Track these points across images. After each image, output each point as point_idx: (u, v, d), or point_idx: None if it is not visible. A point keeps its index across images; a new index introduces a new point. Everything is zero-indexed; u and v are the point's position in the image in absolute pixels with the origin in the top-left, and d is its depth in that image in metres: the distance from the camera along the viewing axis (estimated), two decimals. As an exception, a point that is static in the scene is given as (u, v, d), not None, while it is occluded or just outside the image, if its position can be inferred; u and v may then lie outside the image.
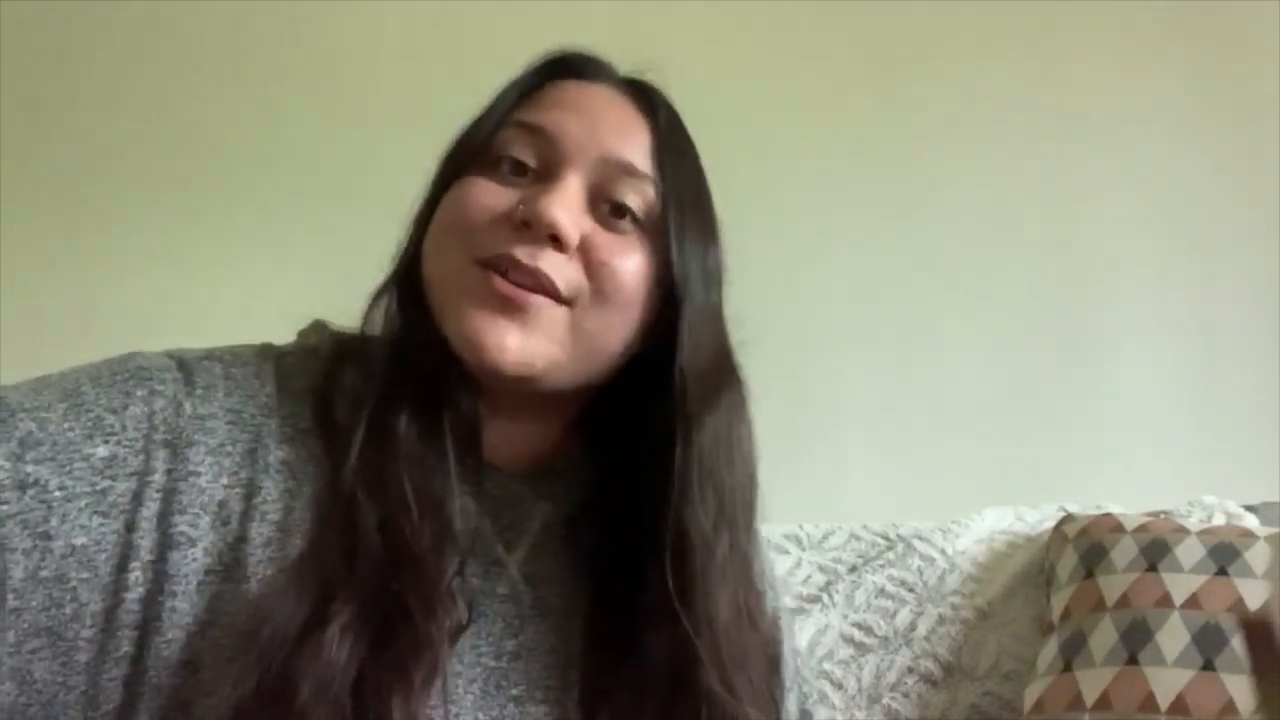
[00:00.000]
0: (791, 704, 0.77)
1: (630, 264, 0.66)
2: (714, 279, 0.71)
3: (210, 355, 0.66)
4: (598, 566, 0.69)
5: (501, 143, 0.67)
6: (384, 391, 0.65)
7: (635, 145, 0.68)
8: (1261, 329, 1.88)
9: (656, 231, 0.67)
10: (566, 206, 0.64)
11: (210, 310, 1.81)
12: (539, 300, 0.63)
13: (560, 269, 0.64)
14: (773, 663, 0.71)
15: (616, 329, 0.66)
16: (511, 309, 0.63)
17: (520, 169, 0.66)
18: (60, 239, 1.90)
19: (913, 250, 1.95)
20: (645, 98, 0.71)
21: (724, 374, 0.70)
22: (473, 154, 0.67)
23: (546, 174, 0.66)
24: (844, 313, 1.93)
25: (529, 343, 0.63)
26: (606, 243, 0.66)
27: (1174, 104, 1.97)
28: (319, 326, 0.72)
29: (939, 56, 2.00)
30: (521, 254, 0.63)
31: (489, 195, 0.65)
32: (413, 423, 0.64)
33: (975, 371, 1.90)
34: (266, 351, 0.69)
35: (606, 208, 0.66)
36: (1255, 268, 1.90)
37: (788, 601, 1.47)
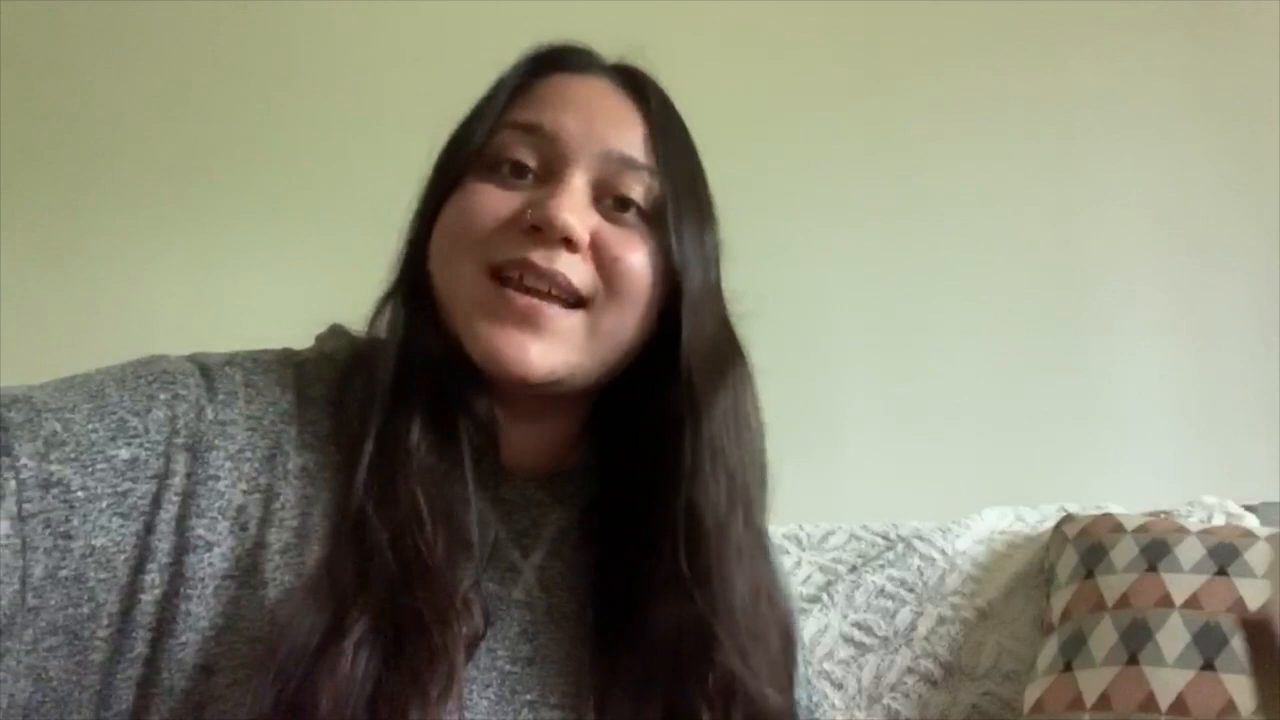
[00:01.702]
0: (800, 715, 0.76)
1: (639, 257, 0.66)
2: (712, 260, 0.71)
3: (232, 361, 0.66)
4: (607, 561, 0.68)
5: (499, 145, 0.67)
6: (394, 402, 0.64)
7: (632, 136, 0.68)
8: (1261, 329, 1.88)
9: (659, 220, 0.67)
10: (574, 207, 0.64)
11: (211, 312, 1.81)
12: (553, 310, 0.63)
13: (576, 269, 0.64)
14: (788, 639, 0.71)
15: (631, 322, 0.66)
16: (528, 323, 0.63)
17: (521, 170, 0.66)
18: (61, 240, 1.90)
19: (913, 250, 1.95)
20: (635, 85, 0.71)
21: (727, 352, 0.70)
22: (470, 158, 0.67)
23: (549, 174, 0.66)
24: (844, 313, 1.93)
25: (550, 353, 0.64)
26: (615, 238, 0.66)
27: (1173, 105, 1.97)
28: (337, 331, 0.72)
29: (939, 58, 2.00)
30: (537, 258, 0.63)
31: (494, 201, 0.65)
32: (425, 433, 0.64)
33: (975, 372, 1.90)
34: (287, 358, 0.69)
35: (610, 201, 0.66)
36: (1255, 267, 1.91)
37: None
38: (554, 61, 0.71)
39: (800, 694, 0.76)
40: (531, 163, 0.66)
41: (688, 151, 0.72)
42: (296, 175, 1.94)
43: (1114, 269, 1.94)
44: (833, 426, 1.89)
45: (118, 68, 1.96)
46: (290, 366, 0.68)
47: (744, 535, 0.67)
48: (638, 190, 0.67)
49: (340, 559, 0.60)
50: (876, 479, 1.85)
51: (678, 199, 0.68)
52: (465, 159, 0.67)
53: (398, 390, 0.65)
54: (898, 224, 1.96)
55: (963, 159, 1.97)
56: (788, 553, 1.56)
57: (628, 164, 0.67)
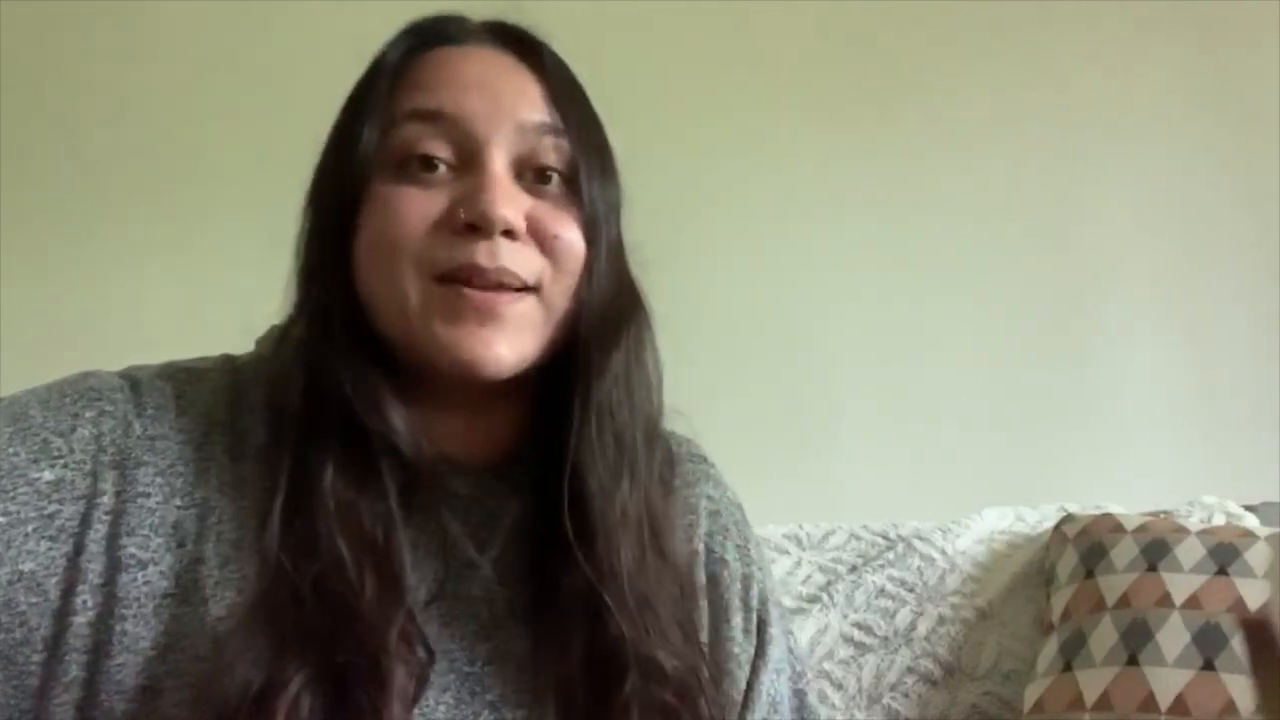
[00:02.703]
0: (783, 685, 0.74)
1: (574, 229, 0.64)
2: (615, 211, 0.68)
3: (163, 373, 0.65)
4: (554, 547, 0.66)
5: (401, 141, 0.63)
6: (304, 439, 0.61)
7: (536, 100, 0.65)
8: (1261, 329, 1.88)
9: (575, 181, 0.65)
10: (506, 196, 0.61)
11: (211, 312, 1.81)
12: (508, 298, 0.62)
13: (520, 258, 0.62)
14: (684, 590, 0.69)
15: (572, 292, 0.65)
16: (490, 316, 0.61)
17: (431, 163, 0.63)
18: (60, 241, 1.90)
19: (913, 251, 1.95)
20: (524, 45, 0.67)
21: (626, 308, 0.67)
22: (369, 160, 0.63)
23: (466, 162, 0.63)
24: (844, 313, 1.93)
25: (517, 343, 0.62)
26: (549, 215, 0.63)
27: (1172, 106, 1.97)
28: (274, 333, 0.69)
29: (938, 60, 2.00)
30: (481, 258, 0.60)
31: (416, 203, 0.62)
32: (340, 472, 0.61)
33: (975, 372, 1.90)
34: (224, 364, 0.68)
35: (531, 175, 0.64)
36: (1254, 267, 1.90)
37: (787, 601, 1.47)
38: (430, 36, 0.68)
39: (770, 677, 0.73)
40: (442, 152, 0.63)
41: (584, 101, 0.69)
42: (297, 175, 1.94)
43: (1114, 269, 1.94)
44: (832, 426, 1.89)
45: (117, 68, 1.95)
46: (226, 374, 0.66)
47: (630, 498, 0.65)
48: (554, 156, 0.64)
49: (273, 598, 0.57)
50: (876, 479, 1.84)
51: (587, 155, 0.66)
52: (363, 162, 0.63)
53: (307, 426, 0.61)
54: (898, 223, 1.95)
55: (963, 159, 1.96)
56: (787, 553, 1.56)
57: (541, 131, 0.64)
